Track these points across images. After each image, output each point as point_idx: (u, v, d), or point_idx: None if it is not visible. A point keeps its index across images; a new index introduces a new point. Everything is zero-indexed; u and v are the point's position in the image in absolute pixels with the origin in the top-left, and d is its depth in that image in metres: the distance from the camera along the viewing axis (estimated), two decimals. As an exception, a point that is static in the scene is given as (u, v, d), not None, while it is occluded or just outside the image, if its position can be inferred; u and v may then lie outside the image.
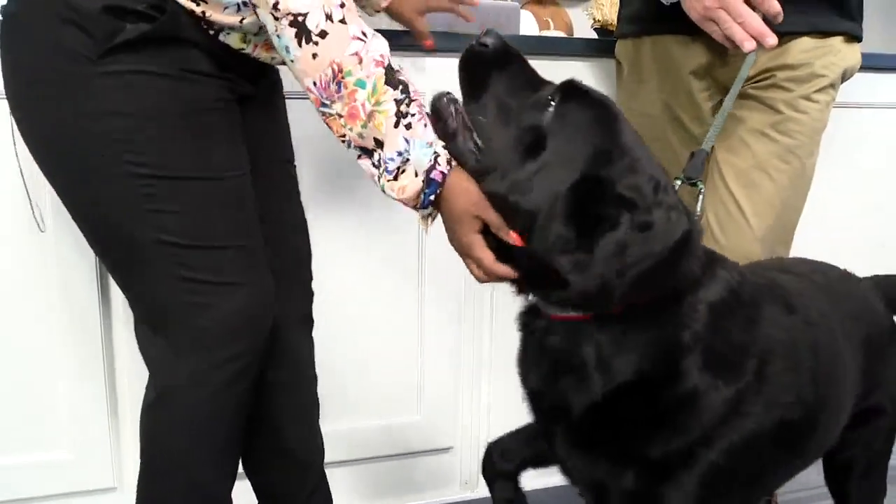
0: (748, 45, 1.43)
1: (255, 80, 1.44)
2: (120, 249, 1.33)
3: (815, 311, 1.24)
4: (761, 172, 1.73)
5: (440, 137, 1.18)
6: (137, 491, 1.46)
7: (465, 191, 1.18)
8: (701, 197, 1.34)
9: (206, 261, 1.32)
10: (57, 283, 1.81)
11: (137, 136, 1.24)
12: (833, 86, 1.74)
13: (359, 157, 1.24)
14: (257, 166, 1.44)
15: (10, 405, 1.84)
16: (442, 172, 1.19)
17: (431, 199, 1.21)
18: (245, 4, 1.27)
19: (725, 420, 1.09)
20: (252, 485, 1.69)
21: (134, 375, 1.86)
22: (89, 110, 1.22)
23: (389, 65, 1.20)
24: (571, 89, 1.13)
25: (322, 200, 1.83)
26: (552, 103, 1.11)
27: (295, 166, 1.61)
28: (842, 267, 1.50)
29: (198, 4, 1.26)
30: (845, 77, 1.78)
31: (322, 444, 1.71)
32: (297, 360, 1.63)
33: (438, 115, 1.17)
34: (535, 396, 1.21)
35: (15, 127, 1.32)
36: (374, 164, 1.23)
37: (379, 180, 1.23)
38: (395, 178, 1.21)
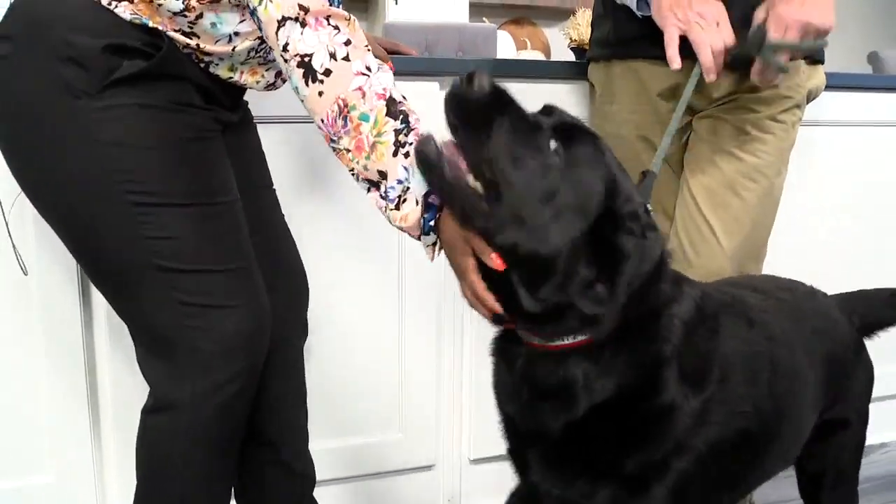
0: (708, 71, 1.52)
1: (235, 109, 1.52)
2: (118, 277, 1.38)
3: (776, 327, 1.30)
4: (730, 191, 1.80)
5: (435, 190, 1.18)
6: None
7: None
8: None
9: (204, 284, 1.37)
10: (38, 304, 1.83)
11: (135, 166, 1.30)
12: (798, 106, 1.82)
13: (368, 190, 1.29)
14: (243, 192, 1.49)
15: (-8, 429, 1.86)
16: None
17: (432, 225, 1.25)
18: (237, 34, 1.34)
19: (694, 429, 1.14)
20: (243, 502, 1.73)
21: (117, 397, 1.89)
22: (88, 142, 1.28)
23: (391, 97, 1.24)
24: (568, 127, 1.13)
25: (304, 221, 1.87)
26: (554, 143, 1.10)
27: (275, 190, 1.68)
28: (811, 283, 1.56)
29: (191, 38, 1.33)
30: (810, 97, 1.86)
31: (311, 457, 1.74)
32: (293, 371, 1.68)
33: (428, 164, 1.13)
34: (512, 421, 1.25)
35: None
36: (381, 195, 1.27)
37: (385, 212, 1.28)
38: (398, 208, 1.25)
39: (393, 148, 1.23)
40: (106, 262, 1.37)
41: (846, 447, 1.49)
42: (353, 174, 1.29)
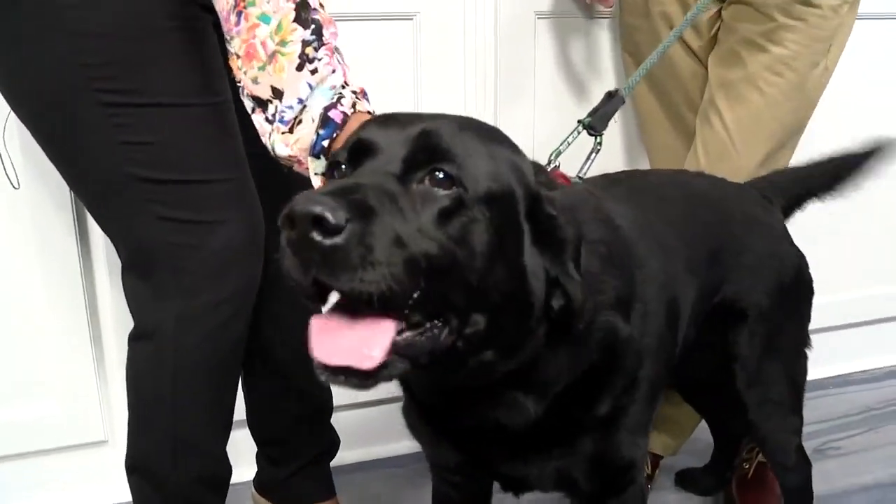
0: None
1: None
2: (95, 188, 1.33)
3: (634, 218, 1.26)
4: (750, 86, 1.72)
5: None
6: (126, 445, 1.49)
7: None
8: (594, 154, 1.32)
9: (186, 197, 1.31)
10: (35, 238, 1.82)
11: (105, 59, 1.21)
12: None
13: (252, 111, 1.16)
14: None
15: (-7, 362, 1.87)
16: (343, 113, 1.11)
17: (325, 146, 1.12)
18: None
19: (642, 336, 1.18)
20: (256, 436, 1.74)
21: (119, 325, 1.88)
22: (55, 32, 1.20)
23: (304, 1, 1.11)
24: (436, 151, 0.91)
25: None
26: (440, 181, 0.90)
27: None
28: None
29: None
30: None
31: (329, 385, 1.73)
32: None
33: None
34: (461, 435, 1.18)
35: None
36: (267, 118, 1.14)
37: (270, 137, 1.14)
38: (291, 131, 1.12)
39: (297, 62, 1.10)
40: (81, 172, 1.32)
41: (748, 342, 1.45)
42: (238, 84, 1.15)
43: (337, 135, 1.11)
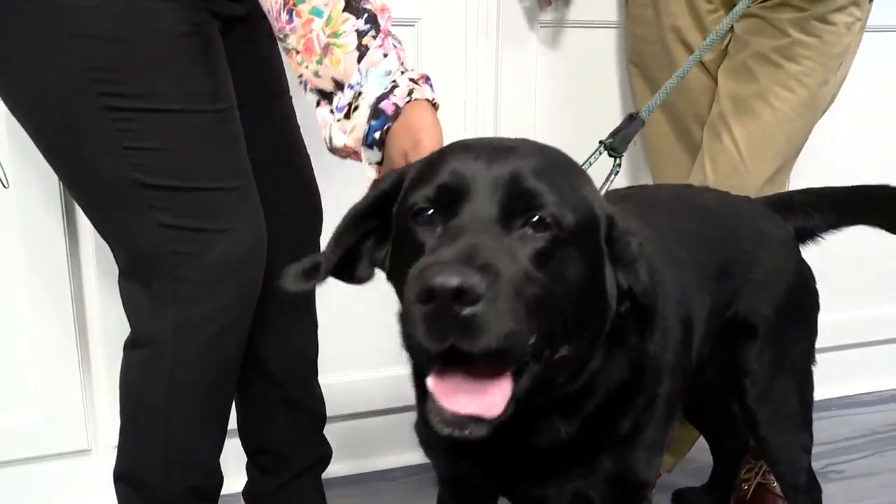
0: None
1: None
2: (96, 193, 1.33)
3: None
4: (761, 101, 1.74)
5: None
6: (117, 453, 1.49)
7: (417, 129, 1.13)
8: (614, 176, 1.35)
9: (189, 204, 1.31)
10: (22, 240, 1.82)
11: (111, 63, 1.22)
12: (857, 4, 1.71)
13: (317, 104, 1.18)
14: (250, 98, 1.43)
15: (-25, 366, 1.86)
16: (395, 105, 1.13)
17: (376, 137, 1.13)
18: None
19: (662, 352, 1.20)
20: (247, 445, 1.74)
21: (107, 332, 1.89)
22: (61, 34, 1.20)
23: None
24: (533, 197, 0.94)
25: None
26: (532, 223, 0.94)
27: (290, 97, 1.59)
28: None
29: None
30: None
31: (321, 393, 1.74)
32: (303, 301, 1.65)
33: None
34: (483, 454, 1.18)
35: None
36: (331, 110, 1.16)
37: (330, 131, 1.16)
38: (347, 117, 1.14)
39: (356, 53, 1.12)
40: (81, 176, 1.32)
41: (758, 358, 1.47)
42: (301, 82, 1.18)
43: (389, 126, 1.12)
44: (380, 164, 1.16)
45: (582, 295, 0.97)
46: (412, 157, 1.10)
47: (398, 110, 1.12)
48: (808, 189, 1.63)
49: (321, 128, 1.17)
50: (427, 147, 1.09)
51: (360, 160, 1.17)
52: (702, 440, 2.03)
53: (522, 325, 0.86)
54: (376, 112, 1.13)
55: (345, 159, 1.20)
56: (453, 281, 0.81)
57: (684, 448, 2.05)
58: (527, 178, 0.94)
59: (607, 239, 1.02)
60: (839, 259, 2.19)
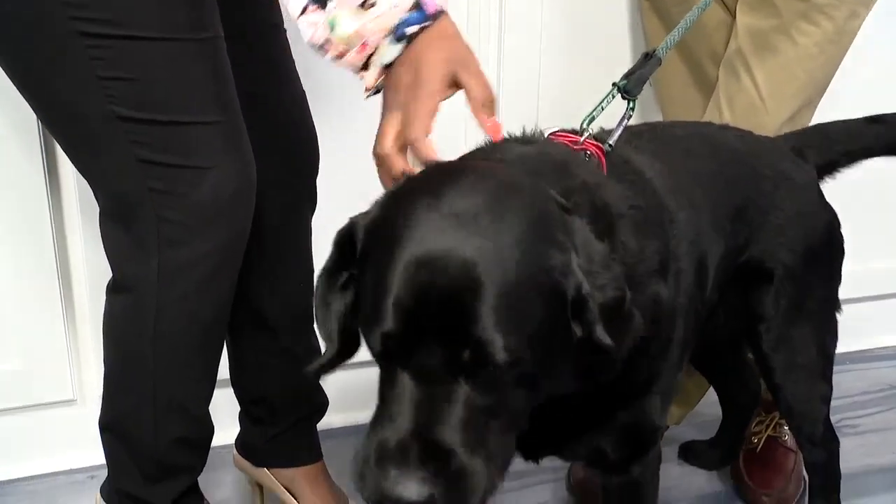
0: None
1: None
2: (71, 127, 1.30)
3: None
4: (782, 35, 1.69)
5: None
6: (101, 402, 1.48)
7: (452, 37, 1.11)
8: (626, 121, 1.29)
9: (173, 140, 1.27)
10: (1, 182, 1.78)
11: None
12: None
13: (302, 11, 1.14)
14: (242, 29, 1.39)
15: (-47, 314, 1.84)
16: (437, 6, 1.10)
17: (406, 32, 1.10)
18: None
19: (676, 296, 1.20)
20: (240, 394, 1.72)
21: (91, 277, 1.86)
22: None
23: None
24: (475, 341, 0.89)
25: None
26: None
27: (285, 31, 1.55)
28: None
29: None
30: None
31: (318, 344, 1.71)
32: (298, 245, 1.63)
33: None
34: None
35: None
36: (321, 6, 1.12)
37: (329, 16, 1.11)
38: (363, 6, 1.10)
39: None
40: (57, 110, 1.28)
41: (774, 303, 1.46)
42: None
43: (426, 26, 1.09)
44: (387, 67, 1.11)
45: (549, 374, 0.96)
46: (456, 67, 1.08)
47: (438, 13, 1.09)
48: (824, 123, 1.62)
49: (307, 28, 1.12)
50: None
51: (361, 58, 1.11)
52: (711, 393, 2.02)
53: (488, 472, 0.91)
54: (417, 4, 1.09)
55: (334, 59, 1.14)
56: (408, 496, 0.87)
57: (693, 399, 2.03)
58: (475, 317, 0.87)
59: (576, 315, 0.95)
60: (863, 204, 2.17)
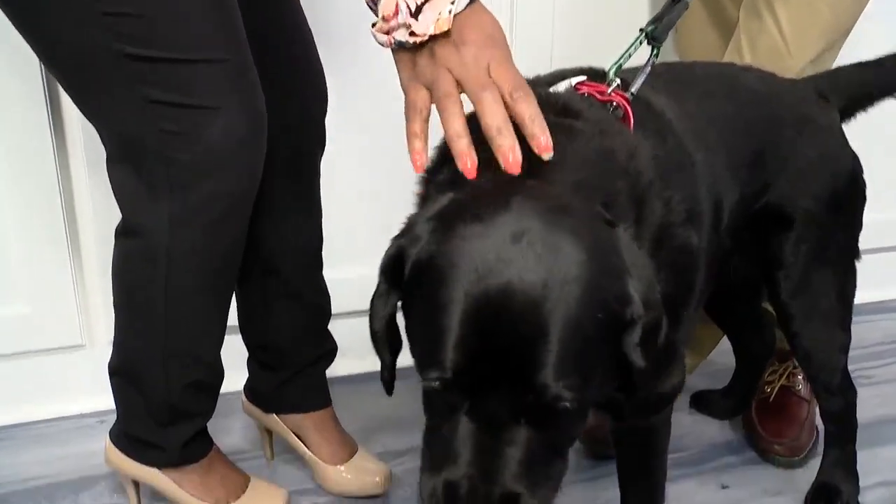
0: None
1: None
2: (78, 68, 1.28)
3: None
4: None
5: None
6: (112, 347, 1.49)
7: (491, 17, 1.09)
8: (649, 68, 1.25)
9: (181, 78, 1.26)
10: (3, 128, 1.77)
11: None
12: None
13: None
14: None
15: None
16: None
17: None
18: None
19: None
20: (248, 340, 1.72)
21: (98, 221, 1.85)
22: None
23: None
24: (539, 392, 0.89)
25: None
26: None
27: None
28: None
29: None
30: None
31: (326, 286, 1.72)
32: (307, 188, 1.62)
33: None
34: None
35: None
36: None
37: None
38: None
39: None
40: (59, 48, 1.27)
41: (793, 250, 1.44)
42: None
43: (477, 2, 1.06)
44: (413, 36, 1.05)
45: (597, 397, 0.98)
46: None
47: None
48: (847, 65, 1.60)
49: None
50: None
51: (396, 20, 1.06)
52: (724, 342, 2.01)
53: (548, 498, 0.94)
54: None
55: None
56: None
57: (706, 349, 2.03)
58: (542, 364, 0.86)
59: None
60: (884, 150, 2.14)
